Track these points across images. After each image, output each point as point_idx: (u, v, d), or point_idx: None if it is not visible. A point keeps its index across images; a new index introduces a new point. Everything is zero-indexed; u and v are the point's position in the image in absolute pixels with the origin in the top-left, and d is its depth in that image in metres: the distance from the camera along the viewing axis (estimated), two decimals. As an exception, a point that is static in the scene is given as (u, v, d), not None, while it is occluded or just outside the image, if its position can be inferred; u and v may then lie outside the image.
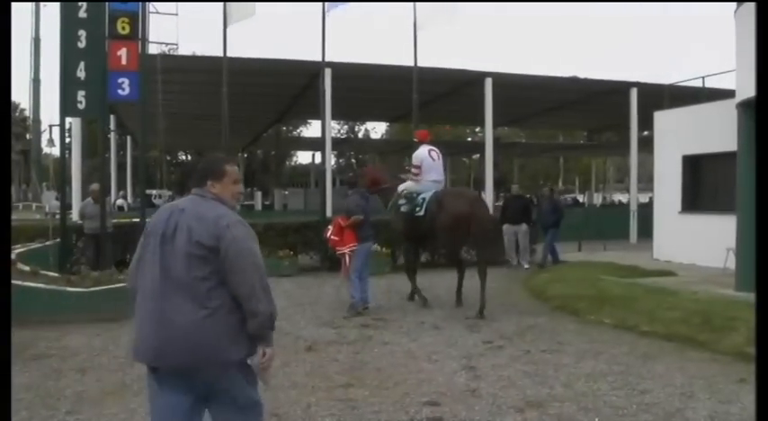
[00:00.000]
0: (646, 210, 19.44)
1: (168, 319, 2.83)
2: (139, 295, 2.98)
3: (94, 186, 11.88)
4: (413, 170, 9.75)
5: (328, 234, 9.02)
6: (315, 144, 16.90)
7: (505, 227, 14.24)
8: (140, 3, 10.73)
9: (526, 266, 14.25)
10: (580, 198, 49.79)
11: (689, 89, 17.69)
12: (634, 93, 21.37)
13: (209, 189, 3.09)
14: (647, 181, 31.53)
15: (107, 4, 10.41)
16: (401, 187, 9.81)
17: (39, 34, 48.27)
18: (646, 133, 23.75)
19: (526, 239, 14.67)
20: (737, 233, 9.65)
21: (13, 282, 8.25)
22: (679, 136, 14.43)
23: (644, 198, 28.76)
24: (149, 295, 2.91)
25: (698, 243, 12.98)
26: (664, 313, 8.01)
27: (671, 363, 6.27)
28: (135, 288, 3.03)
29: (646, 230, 17.32)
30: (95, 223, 11.11)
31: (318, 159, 18.78)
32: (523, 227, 14.53)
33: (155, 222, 3.07)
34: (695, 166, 14.09)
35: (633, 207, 22.00)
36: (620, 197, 49.16)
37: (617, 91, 21.96)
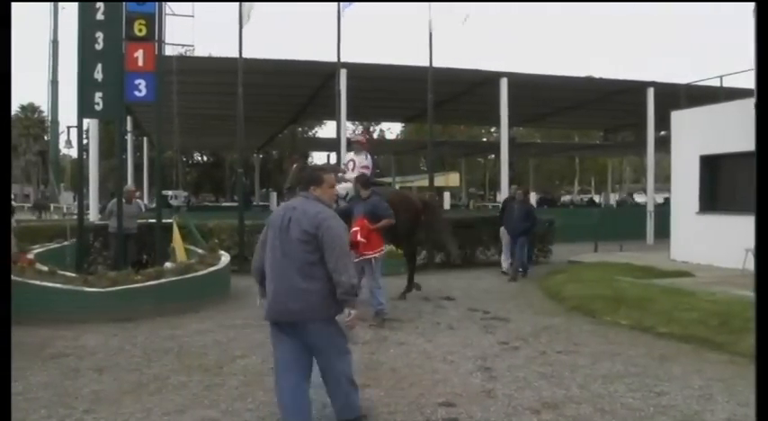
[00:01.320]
0: (662, 211, 19.32)
1: (286, 288, 4.08)
2: (267, 272, 4.23)
3: (128, 186, 12.05)
4: (366, 172, 9.63)
5: (358, 237, 8.55)
6: (330, 144, 16.96)
7: (503, 230, 13.42)
8: (157, 4, 10.79)
9: (520, 270, 12.94)
10: (596, 198, 49.55)
11: (706, 88, 17.52)
12: (651, 92, 21.22)
13: (311, 192, 4.29)
14: (663, 181, 31.34)
15: (124, 5, 10.49)
16: (344, 189, 9.42)
17: (57, 36, 48.72)
18: (662, 133, 23.57)
19: (524, 244, 13.26)
20: (756, 233, 9.55)
21: (31, 281, 8.42)
22: (696, 136, 14.32)
23: (659, 198, 28.58)
24: (275, 272, 4.15)
25: (716, 243, 12.87)
26: (681, 314, 7.94)
27: (688, 365, 6.21)
28: (260, 268, 4.34)
29: (662, 231, 17.19)
30: (127, 222, 11.30)
31: (333, 160, 18.80)
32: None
33: (274, 218, 4.31)
34: (713, 166, 13.97)
35: (650, 207, 21.86)
36: (636, 197, 48.90)
37: (633, 90, 21.83)
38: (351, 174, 9.64)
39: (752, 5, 9.71)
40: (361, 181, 9.03)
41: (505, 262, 13.42)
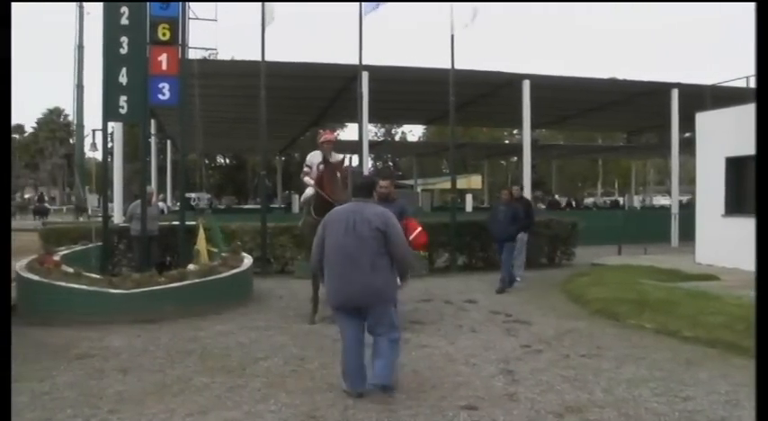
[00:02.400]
0: (687, 213, 19.11)
1: (355, 278, 5.10)
2: (329, 266, 5.22)
3: (150, 188, 12.15)
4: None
5: (425, 239, 8.29)
6: (352, 147, 16.98)
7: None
8: (180, 8, 10.87)
9: (518, 280, 12.12)
10: (620, 200, 49.07)
11: (732, 89, 17.30)
12: (675, 94, 21.00)
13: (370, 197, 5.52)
14: (687, 183, 30.97)
15: (148, 9, 10.59)
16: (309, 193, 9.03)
17: (82, 41, 49.34)
18: (687, 135, 23.31)
19: (522, 247, 12.31)
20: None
21: (57, 283, 8.55)
22: (722, 137, 14.13)
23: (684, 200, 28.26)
24: (340, 264, 5.15)
25: (742, 246, 12.67)
26: (706, 318, 7.84)
27: (714, 370, 6.13)
28: (320, 263, 5.35)
29: (687, 233, 16.97)
30: (150, 224, 11.42)
31: (355, 162, 18.83)
32: (521, 234, 12.16)
33: (334, 219, 5.30)
34: (739, 168, 13.78)
35: (674, 210, 21.62)
36: (661, 200, 48.36)
37: (657, 92, 21.61)
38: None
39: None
40: (392, 183, 8.97)
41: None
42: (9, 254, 4.50)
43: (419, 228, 8.00)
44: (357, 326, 5.32)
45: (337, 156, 8.87)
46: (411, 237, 8.00)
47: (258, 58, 13.86)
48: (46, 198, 57.31)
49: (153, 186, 12.16)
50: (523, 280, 12.16)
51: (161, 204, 27.03)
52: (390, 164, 76.46)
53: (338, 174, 8.18)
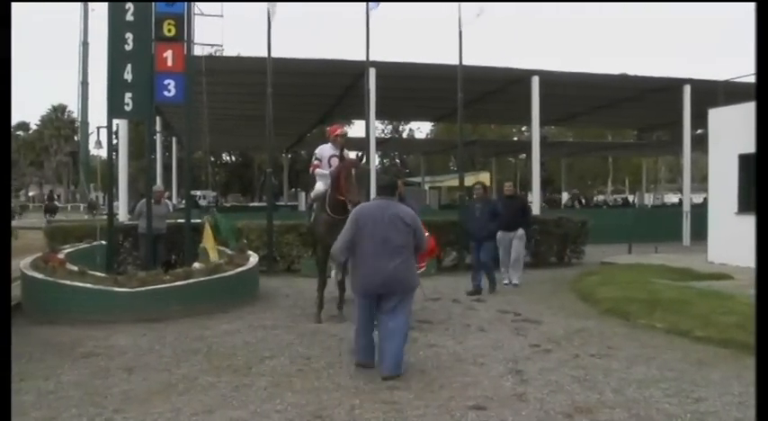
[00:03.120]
0: (699, 211, 19.02)
1: (384, 267, 5.83)
2: (362, 256, 5.95)
3: (157, 186, 12.18)
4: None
5: (433, 245, 8.26)
6: (359, 144, 16.97)
7: (499, 234, 11.74)
8: (186, 4, 10.88)
9: (515, 282, 11.81)
10: (630, 198, 48.91)
11: (745, 85, 17.19)
12: (687, 89, 20.88)
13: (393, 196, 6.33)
14: (699, 181, 30.83)
15: (153, 6, 10.61)
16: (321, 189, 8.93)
17: (87, 38, 49.49)
18: (699, 131, 23.20)
19: (521, 246, 12.08)
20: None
21: (62, 281, 8.60)
22: (735, 134, 14.04)
23: (698, 198, 28.11)
24: (372, 255, 5.88)
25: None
26: (719, 318, 7.79)
27: (727, 371, 6.09)
28: (346, 251, 6.12)
29: (699, 232, 16.89)
30: (157, 223, 11.43)
31: (363, 159, 18.78)
32: (519, 232, 11.94)
33: (366, 214, 6.03)
34: (752, 165, 13.70)
35: (686, 208, 21.52)
36: (672, 198, 48.19)
37: (669, 88, 21.50)
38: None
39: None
40: (401, 181, 8.99)
41: (505, 273, 12.06)
42: (9, 254, 4.52)
43: (426, 234, 7.99)
44: (372, 309, 6.06)
45: (351, 154, 8.95)
46: None
47: (265, 54, 13.87)
48: (56, 196, 57.48)
49: (160, 184, 12.14)
50: (522, 283, 11.82)
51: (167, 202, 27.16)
52: (398, 161, 76.45)
53: (353, 173, 8.14)
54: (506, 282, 11.91)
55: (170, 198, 29.91)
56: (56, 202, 45.94)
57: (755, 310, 3.37)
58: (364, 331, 6.11)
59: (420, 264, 8.34)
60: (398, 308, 5.95)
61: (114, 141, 12.55)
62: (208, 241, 10.95)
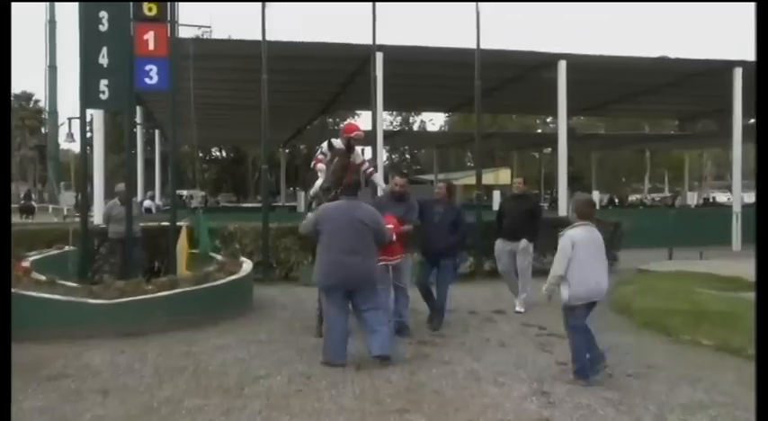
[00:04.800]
0: (751, 212, 18.91)
1: (343, 265, 6.96)
2: (321, 254, 7.18)
3: (120, 186, 12.11)
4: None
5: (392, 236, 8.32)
6: (365, 137, 17.00)
7: (498, 243, 10.65)
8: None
9: (519, 309, 10.33)
10: (671, 197, 48.68)
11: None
12: (738, 73, 20.75)
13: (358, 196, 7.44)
14: (751, 177, 30.65)
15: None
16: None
17: (54, 16, 49.31)
18: (752, 121, 23.07)
19: (526, 262, 10.55)
20: (757, 235, 9.26)
21: (27, 293, 8.43)
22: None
23: (750, 197, 27.90)
24: (331, 252, 7.02)
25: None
26: (775, 333, 7.72)
27: (786, 394, 6.02)
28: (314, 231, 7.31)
29: (752, 235, 16.79)
30: (122, 227, 11.31)
31: (368, 154, 18.83)
32: (522, 243, 10.38)
33: (326, 216, 7.20)
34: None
35: (736, 208, 21.38)
36: (719, 196, 47.95)
37: (716, 72, 21.37)
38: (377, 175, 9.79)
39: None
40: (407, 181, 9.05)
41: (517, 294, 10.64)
42: (9, 254, 4.50)
43: (390, 225, 8.03)
44: (340, 306, 7.09)
45: (359, 155, 9.16)
46: None
47: (258, 37, 13.85)
48: (34, 196, 57.50)
49: (122, 184, 12.03)
50: (527, 307, 10.37)
51: (148, 202, 27.24)
52: (408, 157, 76.51)
53: (334, 161, 8.40)
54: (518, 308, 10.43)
55: (153, 198, 30.11)
56: (32, 202, 45.93)
57: (755, 312, 3.36)
58: (332, 328, 7.09)
59: (392, 256, 8.33)
60: (369, 299, 7.10)
61: (88, 134, 12.48)
62: (181, 248, 10.90)
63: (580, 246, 6.48)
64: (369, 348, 7.02)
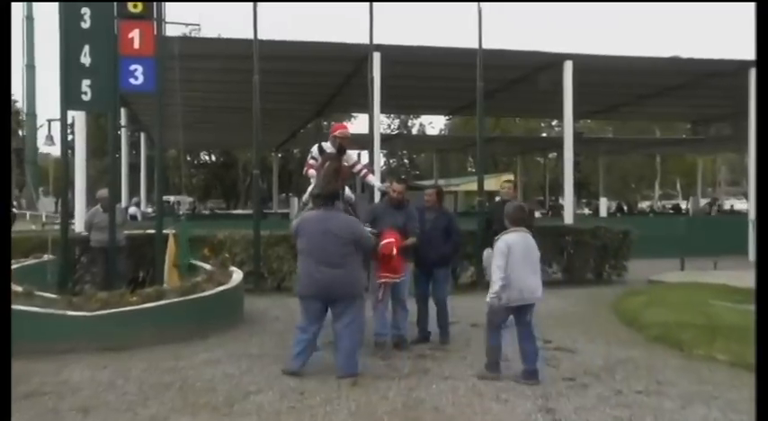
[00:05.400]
0: None
1: (321, 277, 7.09)
2: (300, 264, 7.47)
3: (103, 192, 12.07)
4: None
5: (393, 251, 8.15)
6: (361, 141, 16.96)
7: (488, 253, 9.64)
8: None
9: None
10: (683, 205, 48.72)
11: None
12: (754, 74, 20.75)
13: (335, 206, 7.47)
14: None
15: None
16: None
17: (32, 12, 49.17)
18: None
19: None
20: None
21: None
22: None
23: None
24: (309, 264, 7.20)
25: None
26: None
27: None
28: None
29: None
30: (105, 235, 11.29)
31: (365, 159, 18.83)
32: None
33: (302, 227, 7.39)
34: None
35: (752, 215, 21.39)
36: (735, 203, 47.96)
37: (731, 72, 21.34)
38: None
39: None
40: (405, 188, 8.99)
41: None
42: (9, 254, 4.48)
43: (390, 240, 8.17)
44: (311, 315, 7.27)
45: (351, 157, 9.15)
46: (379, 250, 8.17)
47: (250, 35, 13.85)
48: (15, 203, 57.28)
49: (105, 189, 11.98)
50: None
51: (133, 209, 27.21)
52: (406, 161, 76.58)
53: (325, 165, 8.23)
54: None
55: (138, 204, 30.08)
56: (14, 210, 45.70)
57: (755, 312, 3.39)
58: (296, 336, 7.33)
59: (396, 274, 8.38)
60: (345, 312, 7.16)
61: (69, 137, 12.46)
62: (169, 258, 10.88)
63: (514, 250, 7.06)
64: (337, 365, 7.18)
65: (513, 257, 7.02)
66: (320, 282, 7.13)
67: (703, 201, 43.89)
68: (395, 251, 8.13)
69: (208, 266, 11.12)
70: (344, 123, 9.74)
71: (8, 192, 4.56)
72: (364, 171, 9.61)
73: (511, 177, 48.65)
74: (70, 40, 10.43)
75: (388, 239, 8.17)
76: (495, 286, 7.00)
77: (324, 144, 9.05)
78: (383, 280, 8.36)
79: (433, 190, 9.87)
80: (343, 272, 7.13)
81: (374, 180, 9.87)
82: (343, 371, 7.02)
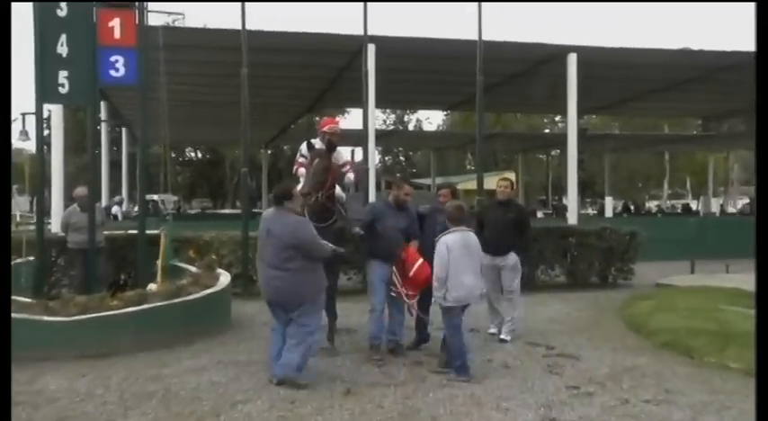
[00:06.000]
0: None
1: (269, 280, 7.28)
2: (260, 265, 7.56)
3: (81, 190, 12.01)
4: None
5: (427, 272, 8.11)
6: (355, 138, 17.00)
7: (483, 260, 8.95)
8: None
9: (504, 337, 9.68)
10: (693, 205, 48.79)
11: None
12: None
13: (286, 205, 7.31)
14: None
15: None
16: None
17: (3, -4, 49.13)
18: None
19: (514, 280, 9.81)
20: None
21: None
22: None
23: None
24: (263, 266, 7.41)
25: None
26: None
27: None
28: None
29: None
30: (82, 236, 11.24)
31: (359, 156, 18.87)
32: (511, 259, 9.69)
33: (261, 226, 7.45)
34: None
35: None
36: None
37: (745, 65, 21.36)
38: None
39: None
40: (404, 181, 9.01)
41: (492, 316, 10.10)
42: (9, 254, 4.46)
43: (420, 261, 8.20)
44: (279, 319, 7.37)
45: (341, 156, 9.20)
46: (411, 274, 8.22)
47: (238, 26, 13.83)
48: None
49: (83, 187, 11.89)
50: (515, 337, 9.77)
51: (115, 208, 27.17)
52: (402, 159, 76.60)
53: (314, 163, 8.39)
54: (492, 330, 10.00)
55: (121, 203, 30.04)
56: None
57: (756, 313, 3.41)
58: (273, 338, 7.50)
59: (412, 292, 8.43)
60: (295, 320, 7.18)
61: (46, 132, 12.43)
62: (162, 258, 10.88)
63: (453, 249, 7.49)
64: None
65: (452, 257, 7.47)
66: (267, 285, 7.31)
67: (741, 202, 43.88)
68: (414, 268, 8.27)
69: (193, 269, 11.10)
70: (335, 118, 9.68)
71: (8, 193, 4.54)
72: (347, 167, 9.59)
73: (510, 175, 48.85)
74: (45, 28, 10.28)
75: (416, 263, 8.26)
76: (439, 290, 7.49)
77: (313, 140, 9.04)
78: (411, 298, 8.47)
79: (446, 190, 9.56)
80: (287, 277, 7.09)
81: (352, 177, 9.79)
82: (275, 379, 7.11)
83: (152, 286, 10.06)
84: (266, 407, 6.34)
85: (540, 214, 35.19)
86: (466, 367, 7.43)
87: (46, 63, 10.31)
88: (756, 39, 4.67)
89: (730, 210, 44.26)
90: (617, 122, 53.81)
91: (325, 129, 9.15)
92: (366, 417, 6.03)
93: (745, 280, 14.22)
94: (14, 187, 46.36)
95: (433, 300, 7.94)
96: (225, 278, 10.63)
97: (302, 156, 9.17)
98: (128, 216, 26.25)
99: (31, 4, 10.37)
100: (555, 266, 14.97)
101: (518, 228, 9.84)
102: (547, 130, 58.38)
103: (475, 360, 7.73)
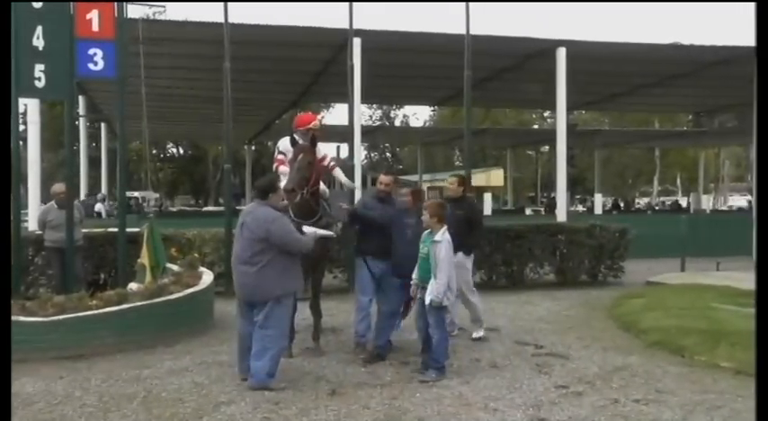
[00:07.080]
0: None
1: (239, 273, 7.24)
2: (232, 259, 7.44)
3: (58, 187, 11.94)
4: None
5: None
6: (340, 133, 17.01)
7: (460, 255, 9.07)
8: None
9: (478, 335, 9.62)
10: (683, 202, 49.01)
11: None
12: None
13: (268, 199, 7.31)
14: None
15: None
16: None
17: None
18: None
19: (466, 278, 9.73)
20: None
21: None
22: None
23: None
24: (234, 258, 7.33)
25: None
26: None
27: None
28: None
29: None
30: (60, 233, 11.17)
31: (344, 153, 18.78)
32: (458, 257, 8.81)
33: (239, 219, 7.38)
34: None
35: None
36: (739, 200, 48.29)
37: (737, 60, 21.42)
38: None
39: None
40: (394, 180, 8.99)
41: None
42: (9, 253, 4.43)
43: None
44: (247, 317, 7.28)
45: (320, 151, 9.09)
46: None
47: (220, 18, 13.78)
48: None
49: (61, 184, 11.80)
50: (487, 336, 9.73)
51: (98, 205, 27.05)
52: (389, 155, 76.64)
53: (298, 158, 8.32)
54: (455, 332, 9.49)
55: (104, 200, 29.89)
56: None
57: (756, 314, 3.43)
58: (239, 341, 7.41)
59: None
60: (262, 319, 7.06)
61: (21, 127, 12.34)
62: (145, 257, 10.83)
63: (451, 248, 7.63)
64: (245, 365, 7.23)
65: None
66: (236, 281, 7.32)
67: (731, 198, 44.03)
68: None
69: (175, 267, 11.05)
70: (311, 114, 9.52)
71: (8, 193, 4.52)
72: (332, 163, 9.57)
73: (500, 175, 48.92)
74: (20, 20, 10.09)
75: None
76: (444, 286, 7.44)
77: (296, 136, 9.01)
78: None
79: (407, 189, 9.38)
80: (255, 272, 7.03)
81: (340, 174, 9.78)
82: (251, 385, 6.98)
83: (133, 286, 10.01)
84: (250, 409, 6.33)
85: (528, 211, 35.30)
86: (444, 365, 7.56)
87: (21, 56, 10.10)
88: (756, 37, 4.67)
89: (721, 207, 44.43)
90: (607, 118, 54.06)
91: (310, 126, 9.07)
92: (352, 419, 6.03)
93: (735, 277, 14.34)
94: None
95: (428, 300, 7.51)
96: (207, 277, 10.59)
97: (281, 152, 9.13)
98: (112, 214, 26.13)
99: (5, -6, 10.28)
100: (544, 264, 14.98)
101: (468, 224, 9.54)
102: (536, 126, 58.53)
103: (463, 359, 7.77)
